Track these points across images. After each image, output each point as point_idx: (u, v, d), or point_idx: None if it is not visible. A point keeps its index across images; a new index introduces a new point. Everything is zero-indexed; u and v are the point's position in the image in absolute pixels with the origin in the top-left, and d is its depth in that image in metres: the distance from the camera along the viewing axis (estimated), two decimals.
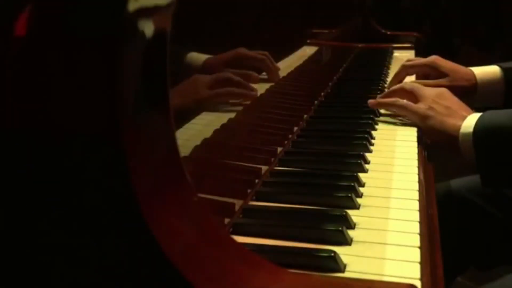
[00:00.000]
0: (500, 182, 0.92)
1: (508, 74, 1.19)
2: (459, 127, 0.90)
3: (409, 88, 1.04)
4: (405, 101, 1.02)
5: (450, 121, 0.92)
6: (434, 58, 1.26)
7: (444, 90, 1.01)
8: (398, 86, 1.10)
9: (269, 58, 0.90)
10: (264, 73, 0.90)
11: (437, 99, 0.98)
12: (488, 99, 1.21)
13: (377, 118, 1.08)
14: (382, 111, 1.14)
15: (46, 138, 0.41)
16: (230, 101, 0.76)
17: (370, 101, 1.09)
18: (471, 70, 1.22)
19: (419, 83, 1.27)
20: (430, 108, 0.97)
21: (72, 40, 0.39)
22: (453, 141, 0.90)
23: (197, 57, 0.65)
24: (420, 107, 0.98)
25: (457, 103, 0.97)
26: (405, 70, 1.31)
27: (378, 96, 1.14)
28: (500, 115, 0.88)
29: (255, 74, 0.84)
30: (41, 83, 0.40)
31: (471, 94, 1.21)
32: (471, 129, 0.88)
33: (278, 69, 0.95)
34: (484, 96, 1.21)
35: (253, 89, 0.80)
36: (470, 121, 0.89)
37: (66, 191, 0.41)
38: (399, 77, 1.32)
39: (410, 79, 1.34)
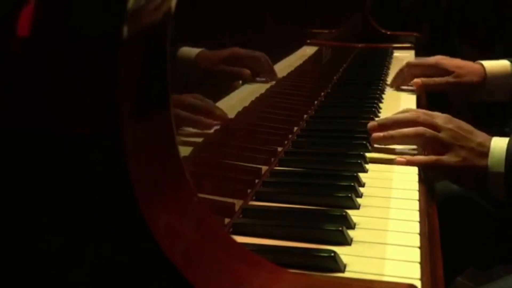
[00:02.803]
0: None
1: None
2: (485, 167, 0.82)
3: (429, 135, 0.86)
4: (434, 157, 0.86)
5: (478, 163, 0.83)
6: (438, 58, 1.26)
7: (460, 128, 0.87)
8: (414, 132, 0.87)
9: (265, 58, 0.89)
10: (261, 76, 0.89)
11: (462, 142, 0.84)
12: (496, 93, 1.21)
13: (377, 118, 1.08)
14: (382, 109, 1.15)
15: (46, 138, 0.41)
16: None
17: (377, 138, 0.90)
18: (480, 63, 1.22)
19: (427, 81, 1.27)
20: (464, 159, 0.83)
21: (72, 40, 0.39)
22: (480, 181, 0.84)
23: (188, 51, 0.64)
24: (452, 160, 0.84)
25: (475, 138, 0.85)
26: (410, 69, 1.30)
27: (381, 123, 0.93)
28: None
29: (246, 71, 0.82)
30: (41, 83, 0.40)
31: (479, 89, 1.20)
32: (501, 168, 0.81)
33: (273, 69, 0.94)
34: (493, 90, 1.20)
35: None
36: (496, 157, 0.82)
37: (65, 190, 0.41)
38: (403, 75, 1.32)
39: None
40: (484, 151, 0.83)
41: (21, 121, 0.41)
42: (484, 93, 1.21)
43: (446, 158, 0.84)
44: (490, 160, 0.82)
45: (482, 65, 1.21)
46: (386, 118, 0.94)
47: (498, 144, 0.84)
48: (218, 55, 0.72)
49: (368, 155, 0.87)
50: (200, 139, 0.64)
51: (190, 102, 0.62)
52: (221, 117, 0.69)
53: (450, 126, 0.86)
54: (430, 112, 0.91)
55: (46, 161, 0.41)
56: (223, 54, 0.73)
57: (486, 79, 1.19)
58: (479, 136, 0.85)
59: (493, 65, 1.21)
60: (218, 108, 0.69)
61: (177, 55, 0.59)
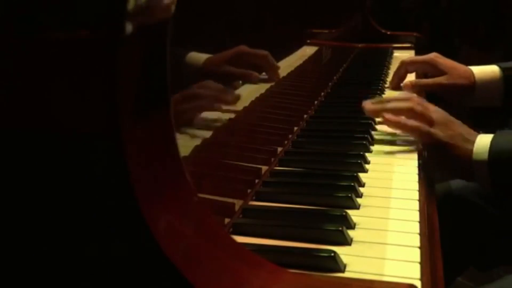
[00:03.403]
0: None
1: (507, 74, 1.19)
2: (471, 152, 0.86)
3: (419, 110, 0.92)
4: (421, 124, 0.91)
5: (463, 146, 0.87)
6: (433, 56, 1.26)
7: (451, 117, 0.93)
8: (405, 105, 0.94)
9: (270, 56, 0.90)
10: (264, 73, 0.90)
11: (450, 125, 0.90)
12: (486, 98, 1.22)
13: (377, 118, 1.08)
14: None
15: (46, 137, 0.41)
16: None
17: (369, 108, 0.97)
18: (470, 69, 1.22)
19: (418, 82, 1.28)
20: (451, 137, 0.88)
21: (72, 39, 0.39)
22: (465, 167, 0.87)
23: (197, 57, 0.64)
24: (439, 133, 0.89)
25: (464, 128, 0.91)
26: (405, 67, 1.31)
27: (375, 102, 1.00)
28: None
29: (255, 74, 0.84)
30: (41, 83, 0.40)
31: (470, 93, 1.21)
32: (485, 156, 0.85)
33: (278, 67, 0.95)
34: (483, 95, 1.21)
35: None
36: (481, 146, 0.86)
37: (65, 190, 0.41)
38: (399, 74, 1.32)
39: (410, 77, 1.34)
40: (470, 139, 0.87)
41: (21, 121, 0.41)
42: (475, 98, 1.21)
43: (436, 130, 0.89)
44: (476, 149, 0.86)
45: (472, 71, 1.22)
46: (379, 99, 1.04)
47: (484, 137, 0.87)
48: (224, 56, 0.72)
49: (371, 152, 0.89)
50: (200, 139, 0.64)
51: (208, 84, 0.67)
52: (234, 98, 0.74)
53: (440, 111, 0.92)
54: (431, 108, 0.95)
55: (46, 161, 0.41)
56: (229, 54, 0.73)
57: (476, 85, 1.20)
58: (467, 128, 0.91)
59: (482, 71, 1.21)
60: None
61: (185, 60, 0.60)
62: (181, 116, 0.60)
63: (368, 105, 0.98)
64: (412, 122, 0.91)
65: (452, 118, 0.92)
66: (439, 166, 0.94)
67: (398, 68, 1.33)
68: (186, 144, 0.61)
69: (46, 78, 0.40)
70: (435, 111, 0.92)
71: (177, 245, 0.42)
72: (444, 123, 0.90)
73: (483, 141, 0.87)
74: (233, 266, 0.44)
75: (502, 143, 0.86)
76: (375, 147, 0.93)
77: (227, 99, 0.73)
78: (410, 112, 0.92)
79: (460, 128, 0.90)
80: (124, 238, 0.41)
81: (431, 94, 1.31)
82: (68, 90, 0.40)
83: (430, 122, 0.90)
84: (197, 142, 0.64)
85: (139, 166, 0.40)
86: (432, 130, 0.89)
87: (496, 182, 0.85)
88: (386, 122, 0.94)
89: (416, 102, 0.93)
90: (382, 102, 0.99)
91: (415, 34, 1.95)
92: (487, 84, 1.20)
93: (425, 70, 1.29)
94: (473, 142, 0.87)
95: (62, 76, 0.40)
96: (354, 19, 1.94)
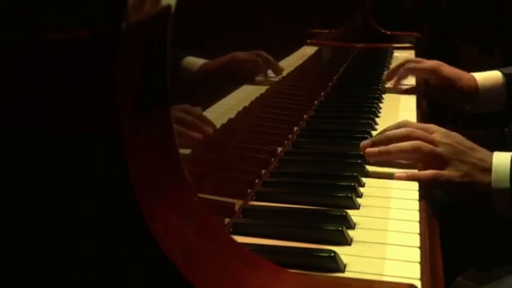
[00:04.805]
0: None
1: (510, 80, 1.19)
2: (489, 183, 0.79)
3: (427, 150, 0.82)
4: (434, 172, 0.81)
5: (480, 178, 0.80)
6: (436, 64, 1.26)
7: (456, 137, 0.84)
8: (411, 146, 0.83)
9: (265, 58, 0.89)
10: (261, 75, 0.89)
11: (461, 157, 0.81)
12: (489, 104, 1.21)
13: (377, 118, 1.08)
14: (382, 109, 1.15)
15: (47, 138, 0.41)
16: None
17: (371, 152, 0.85)
18: (473, 76, 1.22)
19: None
20: (465, 174, 0.80)
21: (72, 39, 0.39)
22: (484, 198, 0.81)
23: (194, 61, 0.64)
24: (454, 174, 0.80)
25: (474, 152, 0.82)
26: (407, 72, 1.31)
27: (373, 141, 0.87)
28: None
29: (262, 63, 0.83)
30: (41, 83, 0.40)
31: (473, 100, 1.21)
32: (507, 184, 0.78)
33: (278, 65, 0.94)
34: (486, 101, 1.21)
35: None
36: (500, 172, 0.79)
37: (65, 190, 0.41)
38: (401, 78, 1.32)
39: (410, 80, 1.34)
40: (486, 167, 0.80)
41: (21, 121, 0.41)
42: (477, 105, 1.21)
43: (447, 172, 0.80)
44: (494, 176, 0.79)
45: (474, 77, 1.21)
46: (379, 136, 0.89)
47: (501, 159, 0.80)
48: (217, 63, 0.72)
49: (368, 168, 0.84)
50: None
51: (176, 115, 0.60)
52: (208, 131, 0.66)
53: (448, 141, 0.82)
54: (426, 126, 0.87)
55: (46, 161, 0.41)
56: (222, 61, 0.73)
57: (479, 91, 1.19)
58: (480, 151, 0.82)
59: (485, 77, 1.21)
60: (205, 120, 0.66)
61: (181, 64, 0.59)
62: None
63: (368, 148, 0.85)
64: (425, 174, 0.81)
65: (461, 145, 0.82)
66: (456, 197, 0.89)
67: (401, 74, 1.31)
68: (186, 144, 0.61)
69: (46, 78, 0.40)
70: (442, 143, 0.82)
71: (177, 245, 0.42)
72: (455, 158, 0.80)
73: (501, 166, 0.79)
74: (233, 266, 0.44)
75: None
76: None
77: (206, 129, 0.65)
78: (417, 153, 0.82)
79: (472, 157, 0.81)
80: (124, 238, 0.41)
81: (434, 101, 1.32)
82: (68, 90, 0.40)
83: (442, 161, 0.81)
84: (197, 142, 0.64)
85: (139, 166, 0.40)
86: (446, 174, 0.80)
87: None
88: (398, 179, 0.81)
89: (418, 135, 0.83)
90: (381, 141, 0.86)
91: (415, 34, 1.95)
92: (490, 90, 1.20)
93: (428, 78, 1.29)
94: (489, 169, 0.80)
95: (62, 76, 0.40)
96: (354, 19, 1.94)
